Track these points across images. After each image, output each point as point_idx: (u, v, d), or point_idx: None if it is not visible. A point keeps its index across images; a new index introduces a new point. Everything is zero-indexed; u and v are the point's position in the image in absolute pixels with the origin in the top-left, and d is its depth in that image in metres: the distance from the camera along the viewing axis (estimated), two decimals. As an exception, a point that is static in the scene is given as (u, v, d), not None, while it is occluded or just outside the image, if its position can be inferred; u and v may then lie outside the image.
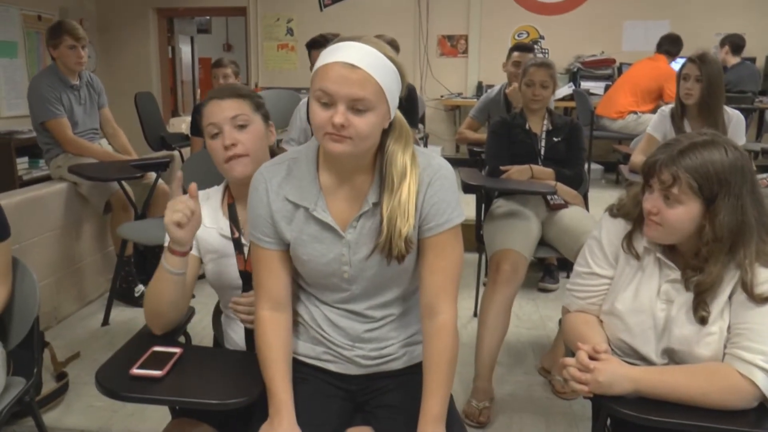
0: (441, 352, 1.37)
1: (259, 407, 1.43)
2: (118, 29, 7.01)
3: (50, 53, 3.63)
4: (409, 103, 3.40)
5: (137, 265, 3.74)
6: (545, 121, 3.02)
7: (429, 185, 1.36)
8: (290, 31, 6.95)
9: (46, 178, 5.68)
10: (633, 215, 1.54)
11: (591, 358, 1.41)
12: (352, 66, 1.25)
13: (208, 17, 9.45)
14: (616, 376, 1.37)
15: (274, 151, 1.71)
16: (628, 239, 1.54)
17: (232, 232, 1.61)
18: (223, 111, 1.56)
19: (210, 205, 1.66)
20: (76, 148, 3.58)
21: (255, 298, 1.49)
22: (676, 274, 1.48)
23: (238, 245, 1.61)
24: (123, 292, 3.61)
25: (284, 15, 6.96)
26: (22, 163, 5.64)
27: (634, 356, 1.52)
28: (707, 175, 1.36)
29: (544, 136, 3.01)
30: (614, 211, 1.60)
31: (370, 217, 1.38)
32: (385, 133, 1.36)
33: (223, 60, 4.28)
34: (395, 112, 1.36)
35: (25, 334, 1.95)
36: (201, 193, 1.70)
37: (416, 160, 1.37)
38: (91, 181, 3.43)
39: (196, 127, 4.17)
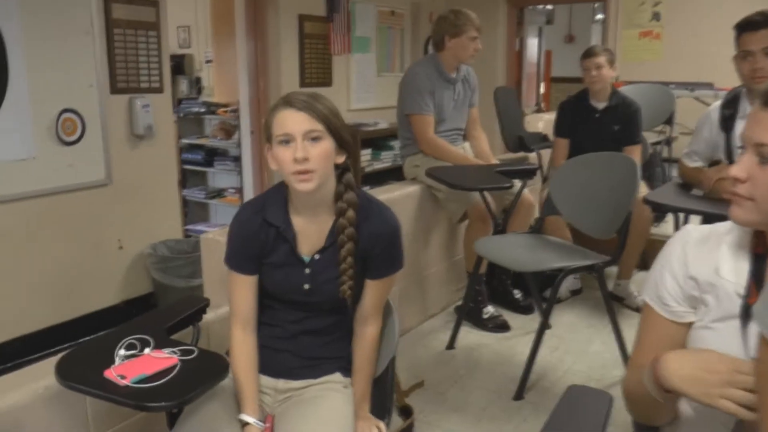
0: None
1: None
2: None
3: (443, 43, 3.34)
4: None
5: (486, 282, 3.33)
6: None
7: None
8: (656, 16, 5.97)
9: (387, 171, 5.75)
10: None
11: None
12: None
13: (551, 6, 8.85)
14: None
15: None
16: None
17: None
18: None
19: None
20: (431, 149, 3.29)
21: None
22: None
23: None
24: (470, 312, 3.23)
25: (652, -5, 5.97)
26: (365, 155, 5.79)
27: None
28: None
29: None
30: None
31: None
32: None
33: (595, 48, 3.66)
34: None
35: (380, 372, 1.88)
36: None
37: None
38: (451, 188, 3.04)
39: (561, 128, 3.63)
